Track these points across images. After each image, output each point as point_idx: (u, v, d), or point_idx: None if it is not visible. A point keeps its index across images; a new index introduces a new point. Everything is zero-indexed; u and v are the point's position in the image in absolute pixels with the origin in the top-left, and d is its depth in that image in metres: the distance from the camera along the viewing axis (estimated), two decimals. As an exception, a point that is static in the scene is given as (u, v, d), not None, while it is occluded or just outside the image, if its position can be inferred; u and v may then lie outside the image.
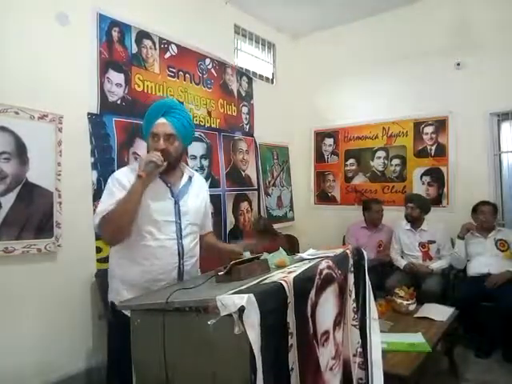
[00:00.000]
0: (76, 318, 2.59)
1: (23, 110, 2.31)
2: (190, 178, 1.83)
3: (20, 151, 2.32)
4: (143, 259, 1.66)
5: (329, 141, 4.76)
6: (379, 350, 1.70)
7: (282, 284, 1.19)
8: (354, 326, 1.67)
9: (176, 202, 1.74)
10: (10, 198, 2.29)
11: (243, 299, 1.04)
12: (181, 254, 1.72)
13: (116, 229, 1.58)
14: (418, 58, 3.99)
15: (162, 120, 1.70)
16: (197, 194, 1.84)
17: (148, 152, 1.73)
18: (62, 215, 2.48)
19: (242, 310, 1.03)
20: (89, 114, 2.69)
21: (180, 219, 1.72)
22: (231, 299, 1.06)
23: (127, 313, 1.46)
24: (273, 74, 4.71)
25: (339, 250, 1.69)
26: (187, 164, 2.95)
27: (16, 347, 2.29)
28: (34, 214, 2.38)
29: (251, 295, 1.05)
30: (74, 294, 2.59)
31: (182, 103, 3.37)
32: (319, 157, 4.85)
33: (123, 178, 1.66)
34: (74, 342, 2.56)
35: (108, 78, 2.82)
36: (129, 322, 1.38)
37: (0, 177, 2.25)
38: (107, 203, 1.59)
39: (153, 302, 1.30)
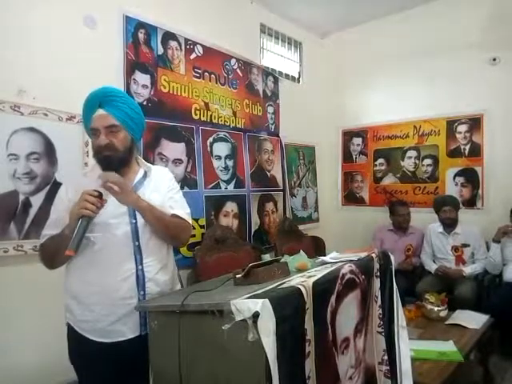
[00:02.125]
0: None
1: (51, 111, 2.37)
2: (145, 173, 1.57)
3: (49, 152, 2.39)
4: (91, 267, 1.43)
5: (357, 140, 4.66)
6: (408, 359, 1.63)
7: (300, 289, 1.15)
8: (380, 333, 1.61)
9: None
10: (40, 197, 2.35)
11: (258, 304, 1.01)
12: (136, 259, 1.45)
13: (48, 261, 1.45)
14: (449, 54, 3.84)
15: (99, 112, 1.44)
16: (156, 189, 1.56)
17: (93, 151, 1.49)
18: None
19: (256, 315, 1.00)
20: (115, 115, 2.73)
21: (135, 218, 1.46)
22: (246, 304, 1.02)
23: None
24: (299, 73, 4.65)
25: (364, 254, 1.63)
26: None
27: (41, 345, 2.34)
28: (63, 214, 2.43)
29: (266, 300, 1.02)
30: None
31: (207, 103, 3.39)
32: (347, 157, 4.76)
33: (82, 181, 1.50)
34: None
35: (134, 79, 2.86)
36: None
37: (30, 177, 2.31)
38: (55, 216, 1.46)
39: (168, 304, 1.28)
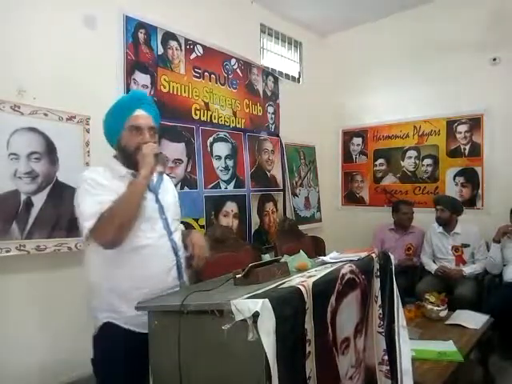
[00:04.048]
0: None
1: (52, 111, 2.37)
2: (161, 174, 1.67)
3: (49, 151, 2.38)
4: (139, 262, 1.48)
5: (357, 140, 4.66)
6: (409, 359, 1.64)
7: (299, 289, 1.15)
8: (380, 333, 1.62)
9: (157, 198, 1.60)
10: (42, 196, 2.35)
11: (258, 304, 1.01)
12: (176, 252, 1.58)
13: (119, 228, 1.39)
14: (449, 54, 3.84)
15: (141, 112, 1.54)
16: (168, 189, 1.70)
17: (126, 148, 1.56)
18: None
19: (256, 315, 1.00)
20: (115, 115, 2.73)
21: (164, 214, 1.59)
22: (246, 304, 1.03)
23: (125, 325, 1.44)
24: (299, 72, 4.65)
25: (364, 254, 1.63)
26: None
27: (41, 345, 2.35)
28: (65, 213, 2.42)
29: (266, 300, 1.02)
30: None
31: (208, 103, 3.39)
32: (347, 157, 4.76)
33: (98, 178, 1.50)
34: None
35: (134, 79, 2.86)
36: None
37: (31, 176, 2.31)
38: (95, 204, 1.42)
39: (169, 304, 1.29)
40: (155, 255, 1.51)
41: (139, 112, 1.54)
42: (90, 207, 1.42)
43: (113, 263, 1.47)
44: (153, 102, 1.66)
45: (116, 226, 1.38)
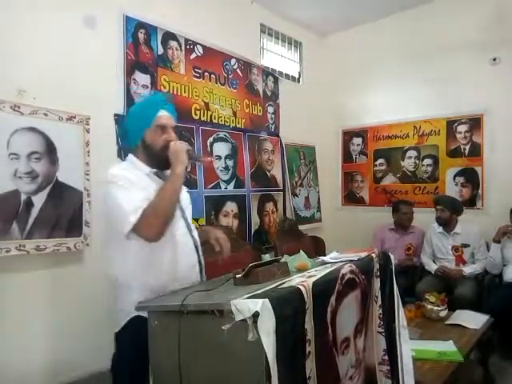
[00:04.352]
0: (101, 316, 2.62)
1: (52, 111, 2.37)
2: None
3: (50, 151, 2.38)
4: (167, 258, 1.55)
5: (357, 140, 4.66)
6: (410, 358, 1.64)
7: (299, 289, 1.15)
8: (380, 333, 1.62)
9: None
10: (42, 196, 2.34)
11: (258, 304, 1.01)
12: (197, 249, 1.67)
13: (163, 221, 1.46)
14: (449, 54, 3.84)
15: (165, 112, 1.63)
16: (183, 191, 1.74)
17: (151, 147, 1.61)
18: (91, 214, 2.52)
19: (256, 315, 1.00)
20: (115, 115, 2.73)
21: (184, 214, 1.67)
22: (246, 304, 1.03)
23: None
24: (299, 73, 4.65)
25: (364, 254, 1.63)
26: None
27: (41, 344, 2.35)
28: (65, 213, 2.43)
29: (266, 300, 1.02)
30: (99, 292, 2.62)
31: (208, 103, 3.40)
32: (347, 157, 4.76)
33: (129, 175, 1.54)
34: (98, 340, 2.59)
35: (134, 79, 2.86)
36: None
37: (32, 176, 2.31)
38: (135, 200, 1.46)
39: (169, 304, 1.28)
40: (182, 252, 1.60)
41: (163, 112, 1.62)
42: (129, 204, 1.46)
43: (144, 260, 1.52)
44: (173, 104, 1.75)
45: (160, 221, 1.45)
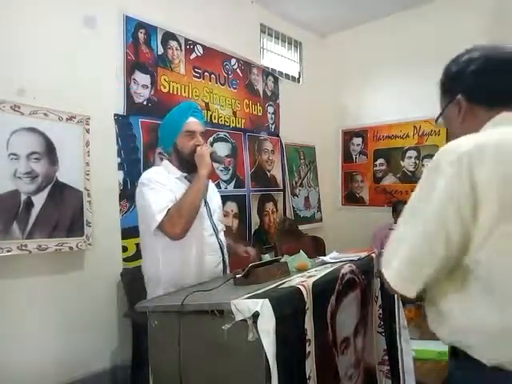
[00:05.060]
0: (102, 316, 2.63)
1: (52, 111, 2.36)
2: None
3: (49, 151, 2.38)
4: (193, 256, 1.68)
5: (357, 140, 4.66)
6: (411, 358, 1.64)
7: (299, 289, 1.15)
8: (380, 333, 1.62)
9: (205, 201, 1.78)
10: (42, 197, 2.34)
11: (258, 304, 1.01)
12: (222, 250, 1.79)
13: (185, 221, 1.57)
14: (450, 54, 3.80)
15: (194, 119, 1.75)
16: (213, 195, 1.90)
17: (181, 152, 1.74)
18: (92, 214, 2.52)
19: (256, 315, 1.00)
20: (115, 115, 2.73)
21: (211, 216, 1.79)
22: (246, 304, 1.03)
23: None
24: (299, 73, 4.65)
25: (364, 254, 1.63)
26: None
27: (42, 344, 2.35)
28: (66, 213, 2.42)
29: (266, 300, 1.02)
30: (101, 291, 2.63)
31: (208, 103, 3.40)
32: (347, 157, 4.76)
33: (161, 178, 1.68)
34: (99, 340, 2.60)
35: (134, 79, 2.86)
36: None
37: (31, 176, 2.31)
38: (163, 201, 1.60)
39: (169, 304, 1.28)
40: (207, 251, 1.72)
41: (192, 119, 1.75)
42: (158, 204, 1.59)
43: (171, 257, 1.66)
44: (201, 111, 1.90)
45: (184, 220, 1.57)
